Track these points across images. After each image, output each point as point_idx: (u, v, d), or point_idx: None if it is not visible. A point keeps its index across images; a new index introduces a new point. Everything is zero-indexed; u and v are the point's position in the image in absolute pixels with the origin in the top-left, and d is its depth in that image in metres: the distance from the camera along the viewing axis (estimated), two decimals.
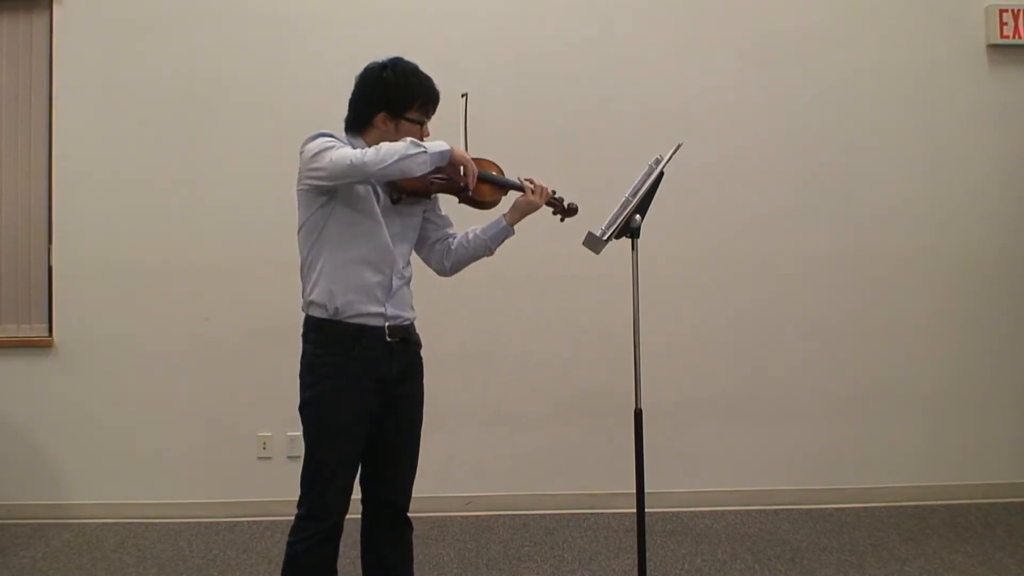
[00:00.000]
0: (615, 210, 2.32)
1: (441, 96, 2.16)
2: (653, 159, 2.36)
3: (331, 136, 2.02)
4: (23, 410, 3.71)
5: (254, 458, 3.72)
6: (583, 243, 2.29)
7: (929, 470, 3.80)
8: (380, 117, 2.08)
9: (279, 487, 3.59)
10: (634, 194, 2.32)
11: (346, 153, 1.93)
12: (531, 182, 2.23)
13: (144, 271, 3.72)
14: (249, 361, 3.69)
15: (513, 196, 2.26)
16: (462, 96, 2.18)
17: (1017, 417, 3.84)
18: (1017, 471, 3.82)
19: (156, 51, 3.75)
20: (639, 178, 2.34)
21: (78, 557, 3.23)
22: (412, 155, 1.92)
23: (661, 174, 2.33)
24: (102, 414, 3.70)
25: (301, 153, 2.02)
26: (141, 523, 3.59)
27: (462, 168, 2.06)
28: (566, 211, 2.33)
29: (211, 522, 3.61)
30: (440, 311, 3.63)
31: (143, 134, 3.74)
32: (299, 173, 2.04)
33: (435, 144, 2.00)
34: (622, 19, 3.82)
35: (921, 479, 3.78)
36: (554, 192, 2.29)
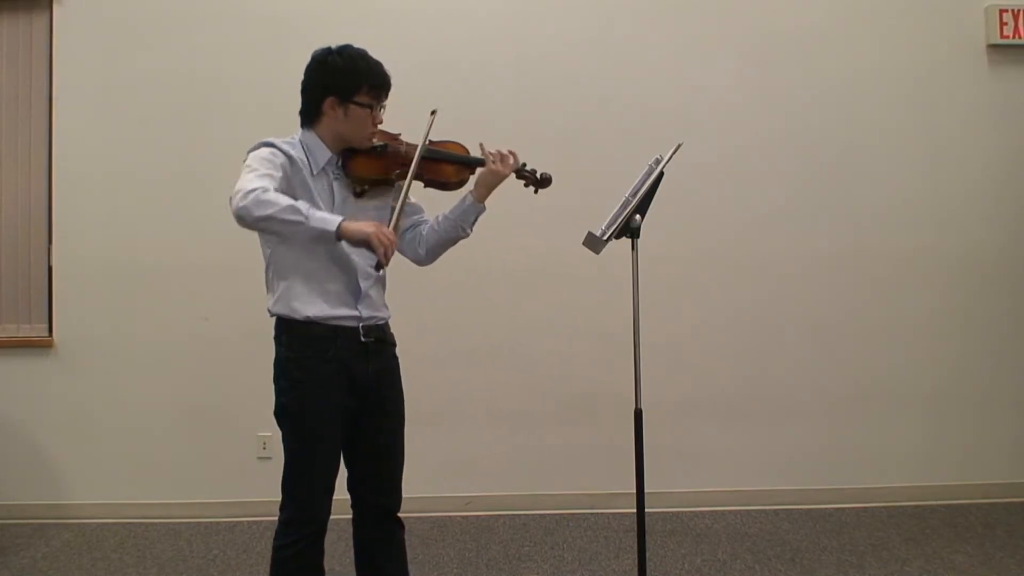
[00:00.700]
0: (615, 210, 2.31)
1: (432, 109, 2.10)
2: (653, 159, 2.36)
3: (270, 146, 1.99)
4: (23, 410, 3.71)
5: (254, 458, 3.72)
6: (583, 243, 2.28)
7: (929, 470, 3.80)
8: (329, 102, 2.04)
9: (279, 487, 3.58)
10: (634, 194, 2.32)
11: (236, 187, 1.85)
12: (492, 153, 2.13)
13: (144, 271, 3.72)
14: (249, 361, 3.65)
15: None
16: (431, 113, 2.09)
17: (1017, 417, 3.84)
18: (1017, 471, 3.82)
19: (156, 51, 3.75)
20: (639, 178, 2.34)
21: (78, 557, 3.23)
22: (286, 219, 1.80)
23: (661, 174, 2.33)
24: (102, 414, 3.70)
25: None
26: (141, 523, 3.59)
27: (373, 244, 1.83)
28: (539, 182, 2.23)
29: (211, 522, 3.61)
30: (440, 311, 3.63)
31: (143, 134, 3.74)
32: None
33: (323, 218, 1.83)
34: (622, 19, 3.82)
35: (921, 479, 3.78)
36: (524, 164, 2.22)
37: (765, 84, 3.83)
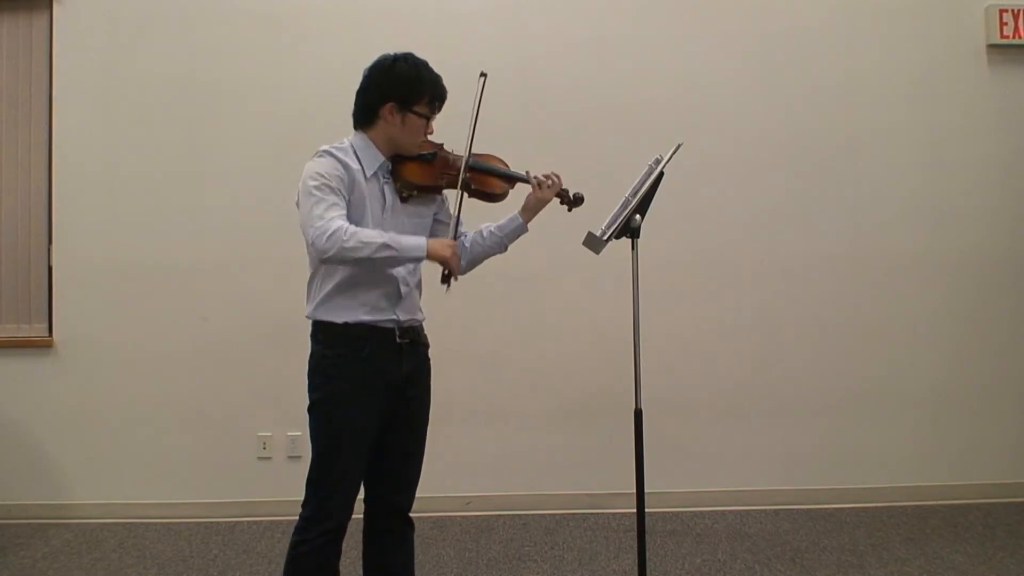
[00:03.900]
0: (615, 210, 2.31)
1: (462, 80, 2.15)
2: (653, 159, 2.36)
3: (328, 156, 2.01)
4: (23, 410, 3.71)
5: (254, 458, 3.72)
6: (583, 243, 2.28)
7: (929, 470, 3.80)
8: (388, 107, 2.07)
9: (279, 487, 3.59)
10: (634, 194, 2.31)
11: (312, 224, 1.90)
12: (539, 178, 2.23)
13: (144, 271, 3.72)
14: (249, 361, 3.69)
15: (520, 188, 2.26)
16: (481, 75, 2.17)
17: (1017, 417, 3.84)
18: (1017, 471, 3.82)
19: (156, 51, 3.75)
20: (639, 178, 2.34)
21: (78, 557, 3.23)
22: (380, 257, 1.93)
23: (661, 174, 2.33)
24: (102, 414, 3.70)
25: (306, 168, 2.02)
26: (141, 523, 3.60)
27: (451, 265, 2.03)
28: (572, 202, 2.33)
29: (211, 522, 3.61)
30: (440, 312, 3.62)
31: (143, 134, 3.74)
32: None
33: (412, 246, 1.98)
34: (623, 18, 3.82)
35: (921, 479, 3.78)
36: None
37: (765, 84, 3.83)
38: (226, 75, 3.75)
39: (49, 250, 3.76)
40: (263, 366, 3.65)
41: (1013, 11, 3.82)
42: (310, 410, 2.06)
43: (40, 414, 3.71)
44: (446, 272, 2.05)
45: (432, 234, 2.22)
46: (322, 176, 1.97)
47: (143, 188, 3.74)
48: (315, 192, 1.95)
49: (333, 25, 3.70)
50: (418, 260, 2.02)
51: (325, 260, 1.94)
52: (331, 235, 1.88)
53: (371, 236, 1.93)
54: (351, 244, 1.89)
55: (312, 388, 2.06)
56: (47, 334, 3.74)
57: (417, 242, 2.00)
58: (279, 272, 3.57)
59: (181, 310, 3.72)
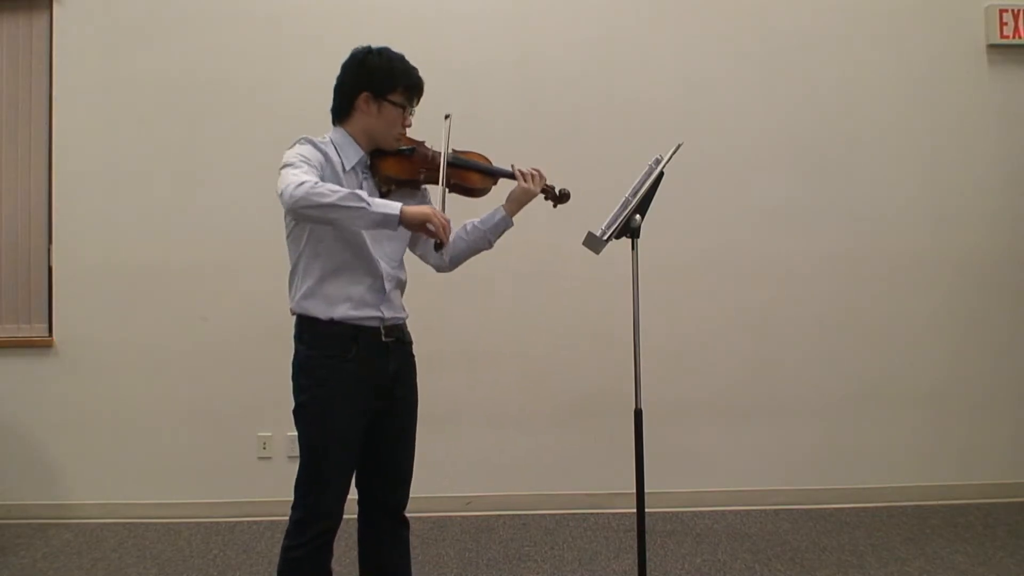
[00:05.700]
0: (615, 210, 2.31)
1: (433, 110, 2.14)
2: (653, 159, 2.36)
3: (308, 143, 2.00)
4: (23, 410, 3.71)
5: (254, 458, 3.72)
6: (583, 243, 2.28)
7: (929, 470, 3.80)
8: (363, 97, 2.06)
9: (279, 487, 3.57)
10: (634, 194, 2.32)
11: (285, 180, 1.84)
12: (524, 170, 2.22)
13: (144, 271, 3.72)
14: (249, 361, 3.69)
15: (503, 184, 2.25)
16: (445, 117, 2.17)
17: (1017, 417, 3.84)
18: (1017, 471, 3.82)
19: (156, 51, 3.75)
20: (639, 178, 2.34)
21: (78, 557, 3.23)
22: (348, 207, 1.81)
23: (661, 174, 2.33)
24: (102, 414, 3.70)
25: None
26: (141, 523, 3.60)
27: (430, 227, 1.89)
28: (558, 197, 2.33)
29: (211, 522, 3.61)
30: (441, 312, 3.63)
31: (143, 134, 3.74)
32: None
33: (385, 203, 1.88)
34: (623, 18, 3.82)
35: (921, 479, 3.78)
36: (544, 180, 2.29)
37: (765, 84, 3.83)
38: (226, 75, 3.75)
39: (49, 250, 3.76)
40: (263, 366, 3.63)
41: (1013, 11, 3.82)
42: (296, 412, 2.04)
43: (40, 414, 3.70)
44: (437, 242, 1.94)
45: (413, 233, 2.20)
46: (302, 156, 1.95)
47: (143, 188, 3.74)
48: (291, 162, 1.92)
49: (333, 25, 3.70)
50: (390, 223, 1.86)
51: (293, 208, 1.81)
52: (301, 183, 1.81)
53: (342, 187, 1.87)
54: (320, 189, 1.80)
55: (298, 390, 2.04)
56: (47, 334, 3.74)
57: (390, 202, 1.88)
58: (279, 272, 3.53)
59: (181, 310, 3.72)
